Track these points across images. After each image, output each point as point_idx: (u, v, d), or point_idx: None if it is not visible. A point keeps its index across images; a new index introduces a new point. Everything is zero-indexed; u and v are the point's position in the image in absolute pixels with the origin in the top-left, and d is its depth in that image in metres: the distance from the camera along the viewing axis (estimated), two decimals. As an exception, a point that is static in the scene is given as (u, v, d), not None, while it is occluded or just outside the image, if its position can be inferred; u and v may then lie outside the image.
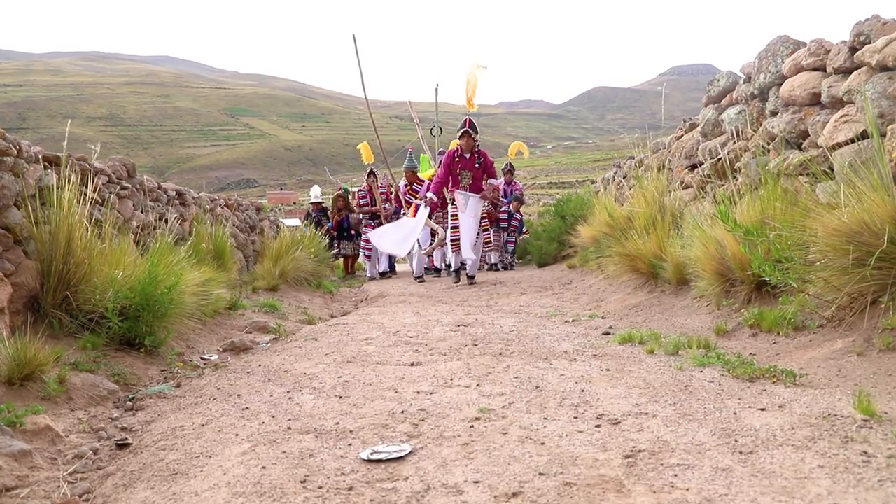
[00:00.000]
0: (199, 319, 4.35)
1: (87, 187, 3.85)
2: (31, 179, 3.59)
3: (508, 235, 11.84)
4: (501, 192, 11.25)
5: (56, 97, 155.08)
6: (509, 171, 11.87)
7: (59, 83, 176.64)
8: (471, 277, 8.42)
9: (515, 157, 13.88)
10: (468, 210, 8.20)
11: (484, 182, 8.36)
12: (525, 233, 13.15)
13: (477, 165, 8.25)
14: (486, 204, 8.67)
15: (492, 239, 9.62)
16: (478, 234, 8.41)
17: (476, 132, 8.27)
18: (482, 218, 8.57)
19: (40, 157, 3.78)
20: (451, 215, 8.44)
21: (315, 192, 13.25)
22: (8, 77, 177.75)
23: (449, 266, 9.69)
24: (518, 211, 11.90)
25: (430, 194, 8.47)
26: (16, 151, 3.44)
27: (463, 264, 8.70)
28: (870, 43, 3.64)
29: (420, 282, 9.31)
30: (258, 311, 5.62)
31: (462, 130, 8.25)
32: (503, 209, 11.72)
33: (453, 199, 8.39)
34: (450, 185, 8.40)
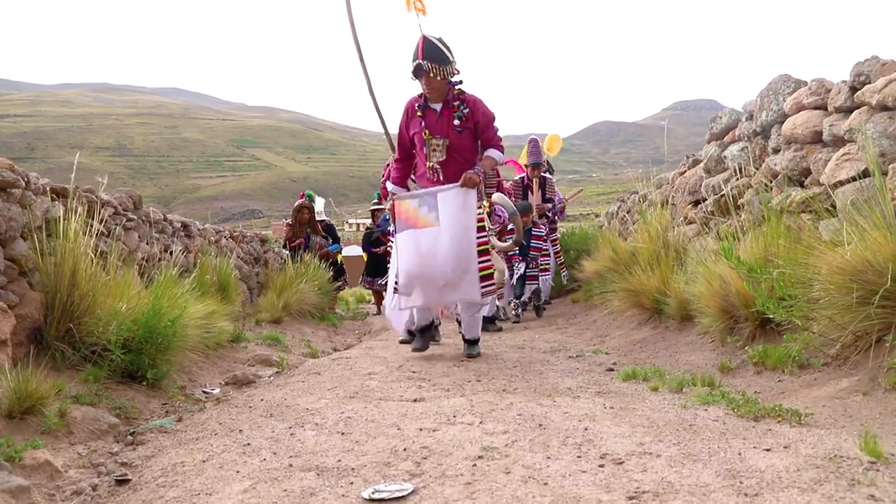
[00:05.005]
0: (201, 352, 4.35)
1: (93, 219, 3.88)
2: (38, 211, 3.62)
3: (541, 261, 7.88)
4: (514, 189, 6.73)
5: (65, 127, 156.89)
6: (546, 169, 7.83)
7: (68, 114, 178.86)
8: (470, 344, 4.61)
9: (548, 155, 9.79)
10: (443, 220, 4.18)
11: (478, 157, 4.43)
12: (557, 255, 8.95)
13: (457, 124, 4.27)
14: (481, 201, 4.49)
15: (505, 272, 6.37)
16: (467, 262, 4.23)
17: (444, 61, 4.17)
18: (477, 230, 4.31)
19: (48, 188, 3.81)
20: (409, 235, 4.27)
21: (319, 206, 10.20)
22: (18, 108, 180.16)
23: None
24: (552, 214, 8.05)
25: (390, 185, 4.69)
26: (24, 184, 3.48)
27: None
28: (870, 83, 3.68)
29: (407, 342, 5.13)
30: (261, 344, 5.61)
31: (415, 64, 4.15)
32: (537, 232, 7.53)
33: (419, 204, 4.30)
34: (415, 168, 4.65)
